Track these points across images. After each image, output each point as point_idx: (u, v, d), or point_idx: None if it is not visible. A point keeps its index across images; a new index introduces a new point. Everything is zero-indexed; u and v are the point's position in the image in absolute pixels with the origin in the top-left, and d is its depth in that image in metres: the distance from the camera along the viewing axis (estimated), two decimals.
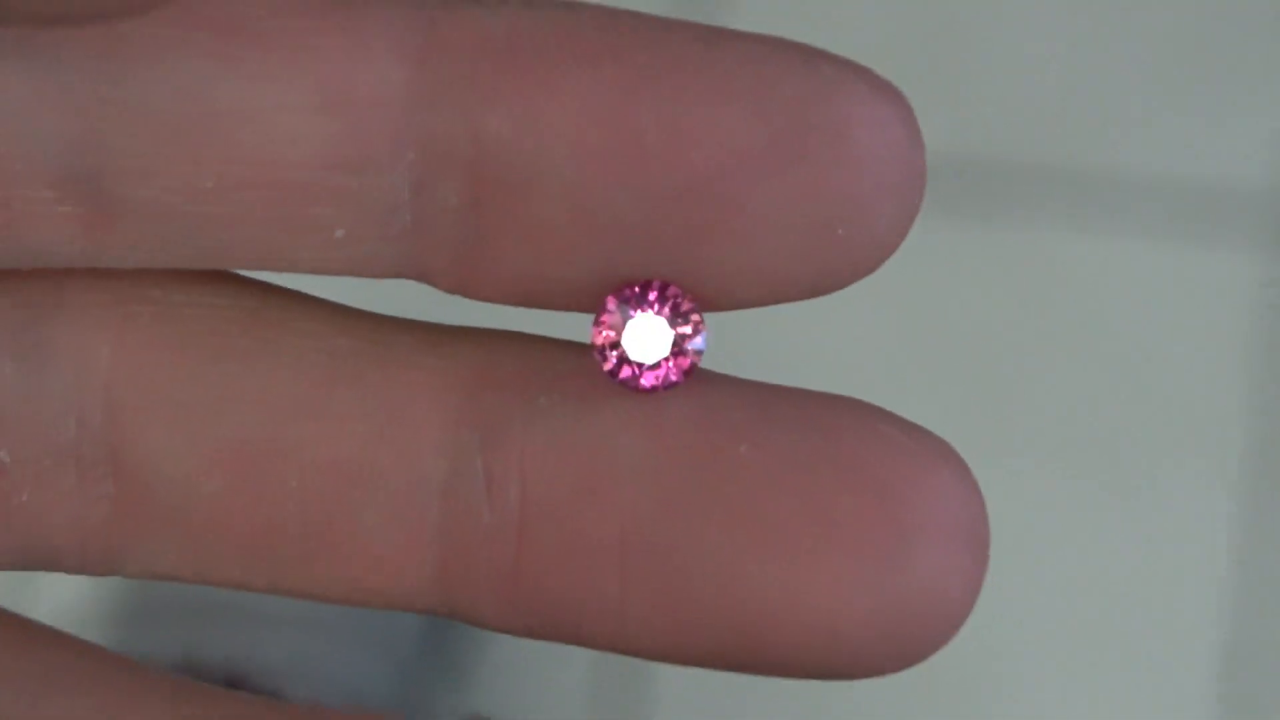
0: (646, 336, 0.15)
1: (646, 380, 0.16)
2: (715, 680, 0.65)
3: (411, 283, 0.16)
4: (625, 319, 0.15)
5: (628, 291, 0.15)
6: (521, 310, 0.16)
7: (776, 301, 0.15)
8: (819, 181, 0.15)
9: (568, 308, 0.16)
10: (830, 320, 0.64)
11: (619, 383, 0.16)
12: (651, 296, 0.15)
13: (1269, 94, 0.66)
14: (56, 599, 0.55)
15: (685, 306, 0.15)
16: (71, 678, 0.16)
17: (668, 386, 0.16)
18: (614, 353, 0.16)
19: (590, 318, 0.16)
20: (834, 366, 0.64)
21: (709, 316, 0.16)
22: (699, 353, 0.16)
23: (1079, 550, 0.65)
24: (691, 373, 0.16)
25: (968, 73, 0.67)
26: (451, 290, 0.16)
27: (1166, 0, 0.67)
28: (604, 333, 0.16)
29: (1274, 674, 0.64)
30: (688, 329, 0.15)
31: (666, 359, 0.16)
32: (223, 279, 0.16)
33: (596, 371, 0.16)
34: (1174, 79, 0.67)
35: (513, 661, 0.64)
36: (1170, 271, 0.66)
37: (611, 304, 0.15)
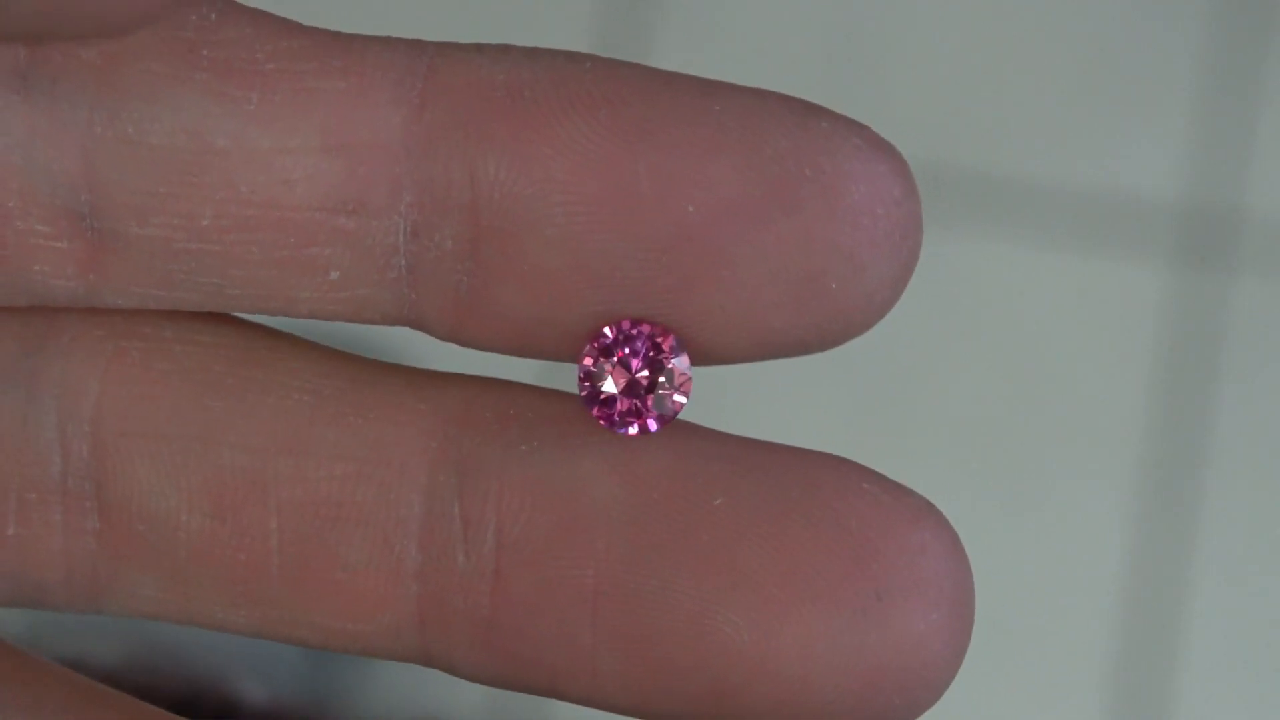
0: (632, 381, 0.16)
1: (631, 426, 0.16)
2: None
3: (406, 330, 0.16)
4: (612, 361, 0.15)
5: (616, 332, 0.15)
6: (513, 361, 0.16)
7: (767, 357, 0.15)
8: (811, 234, 0.15)
9: (560, 357, 0.16)
10: None
11: (602, 424, 0.16)
12: (640, 339, 0.15)
13: (1180, 108, 0.67)
14: None
15: (670, 349, 0.15)
16: (60, 709, 0.16)
17: (650, 431, 0.16)
18: (598, 394, 0.16)
19: None
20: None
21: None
22: (683, 401, 0.16)
23: (981, 553, 0.65)
24: (673, 418, 0.16)
25: (882, 80, 0.67)
26: (446, 337, 0.16)
27: (1080, 13, 0.68)
28: (590, 373, 0.16)
29: (1161, 675, 0.65)
30: (673, 375, 0.16)
31: (649, 402, 0.16)
32: (214, 317, 0.16)
33: (576, 416, 0.16)
34: (1086, 91, 0.67)
35: None
36: (1078, 281, 0.66)
37: (599, 344, 0.15)
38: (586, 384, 0.16)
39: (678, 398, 0.16)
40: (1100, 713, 0.65)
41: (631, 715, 0.16)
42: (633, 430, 0.16)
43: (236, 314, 0.16)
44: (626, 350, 0.15)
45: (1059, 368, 0.66)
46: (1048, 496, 0.66)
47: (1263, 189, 0.66)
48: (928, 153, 0.67)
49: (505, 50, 0.15)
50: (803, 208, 0.15)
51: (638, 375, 0.15)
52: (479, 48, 0.15)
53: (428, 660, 0.16)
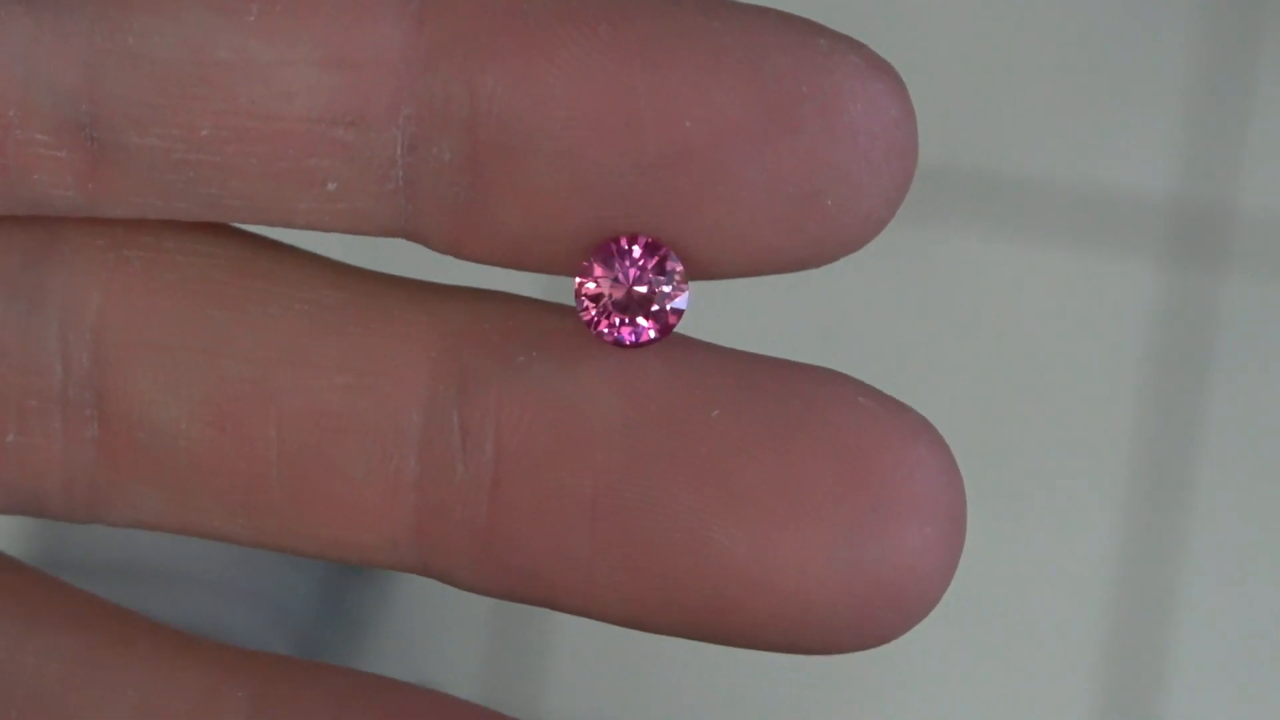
0: (629, 291, 0.16)
1: (625, 335, 0.16)
2: (613, 642, 0.65)
3: (404, 244, 0.16)
4: (609, 273, 0.16)
5: (614, 245, 0.16)
6: (511, 274, 0.16)
7: (764, 272, 0.16)
8: (809, 153, 0.15)
9: (557, 270, 0.16)
10: (727, 307, 0.64)
11: (597, 336, 0.16)
12: (637, 252, 0.16)
13: (1173, 105, 0.67)
14: None
15: (669, 264, 0.16)
16: (57, 618, 0.16)
17: (646, 343, 0.16)
18: (596, 306, 0.16)
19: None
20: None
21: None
22: (680, 311, 0.16)
23: (970, 548, 0.65)
24: (670, 330, 0.16)
25: None
26: (443, 250, 0.16)
27: (1073, 10, 0.68)
28: (587, 285, 0.16)
29: (1150, 672, 0.65)
30: (670, 286, 0.16)
31: (647, 315, 0.16)
32: (215, 229, 0.16)
33: (577, 330, 0.16)
34: (1079, 88, 0.67)
35: (408, 623, 0.64)
36: (1070, 277, 0.66)
37: (597, 257, 0.16)
38: (584, 298, 0.16)
39: (674, 308, 0.16)
40: (1089, 709, 0.65)
41: (629, 627, 0.16)
42: (629, 341, 0.16)
43: (236, 225, 0.16)
44: (624, 263, 0.16)
45: (1050, 363, 0.66)
46: (1038, 491, 0.66)
47: (1254, 186, 0.66)
48: (921, 149, 0.67)
49: None
50: (800, 126, 0.15)
51: (634, 288, 0.16)
52: None
53: (425, 571, 0.16)
